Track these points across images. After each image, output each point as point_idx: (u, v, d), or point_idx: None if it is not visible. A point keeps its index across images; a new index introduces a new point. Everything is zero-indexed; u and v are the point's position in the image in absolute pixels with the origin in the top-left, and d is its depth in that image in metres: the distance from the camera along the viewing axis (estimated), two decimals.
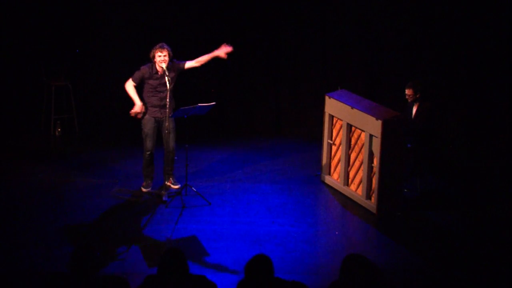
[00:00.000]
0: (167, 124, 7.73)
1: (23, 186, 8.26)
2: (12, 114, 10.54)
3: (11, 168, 8.88)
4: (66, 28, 10.52)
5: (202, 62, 8.07)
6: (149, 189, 8.14)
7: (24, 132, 10.33)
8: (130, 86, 7.83)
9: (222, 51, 8.03)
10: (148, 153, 8.00)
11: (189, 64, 8.00)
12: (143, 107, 7.82)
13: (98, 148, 9.82)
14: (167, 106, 7.66)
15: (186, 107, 7.55)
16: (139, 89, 7.92)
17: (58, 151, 9.75)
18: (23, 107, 10.59)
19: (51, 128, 10.31)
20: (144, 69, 7.81)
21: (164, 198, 7.88)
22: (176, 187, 8.19)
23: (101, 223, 7.32)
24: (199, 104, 7.66)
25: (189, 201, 7.88)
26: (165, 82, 7.70)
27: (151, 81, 7.79)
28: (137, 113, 7.85)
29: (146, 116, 7.90)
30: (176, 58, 7.92)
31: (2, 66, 10.47)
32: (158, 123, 7.93)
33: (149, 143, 7.96)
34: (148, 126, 7.91)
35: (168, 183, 8.19)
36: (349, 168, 8.19)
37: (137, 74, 7.83)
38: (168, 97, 7.67)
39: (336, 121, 8.38)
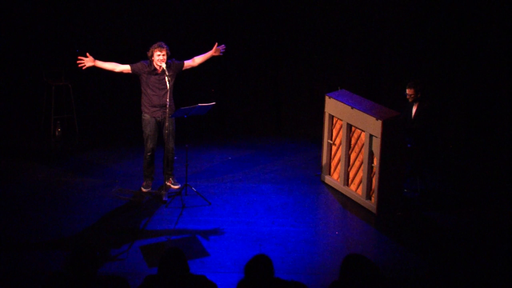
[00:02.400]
0: (167, 124, 7.73)
1: (23, 186, 8.26)
2: (12, 114, 10.53)
3: (11, 168, 8.88)
4: (66, 28, 10.52)
5: (199, 63, 8.09)
6: (149, 189, 8.14)
7: (24, 132, 10.33)
8: (117, 64, 7.82)
9: (216, 50, 8.08)
10: (149, 153, 8.00)
11: (187, 64, 8.02)
12: (93, 62, 7.73)
13: (98, 148, 9.82)
14: (167, 105, 7.66)
15: (186, 107, 7.56)
16: (137, 88, 7.93)
17: (58, 151, 9.76)
18: (23, 107, 10.59)
19: (51, 128, 10.31)
20: (143, 64, 7.81)
21: (164, 198, 7.88)
22: (176, 187, 8.19)
23: (101, 223, 7.32)
24: (199, 104, 7.66)
25: (189, 201, 7.88)
26: (165, 81, 7.70)
27: (150, 79, 7.79)
28: (83, 61, 7.71)
29: (147, 116, 7.89)
30: (175, 58, 7.93)
31: (2, 66, 10.47)
32: (159, 124, 7.93)
33: (150, 144, 7.95)
34: (149, 127, 7.91)
35: (168, 183, 8.19)
36: (349, 168, 8.19)
37: (137, 63, 7.81)
38: (168, 97, 7.67)
39: (336, 121, 8.38)
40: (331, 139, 8.49)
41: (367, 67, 10.41)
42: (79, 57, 7.75)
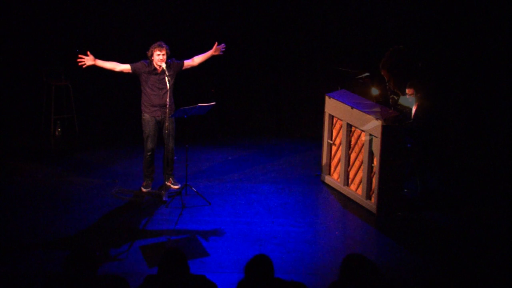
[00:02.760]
0: (167, 124, 7.74)
1: (23, 186, 8.26)
2: (12, 114, 10.54)
3: (11, 168, 8.88)
4: (66, 28, 10.53)
5: (198, 62, 8.09)
6: (149, 189, 8.14)
7: (24, 132, 10.33)
8: (118, 63, 7.82)
9: (216, 49, 8.08)
10: (149, 153, 8.00)
11: (187, 63, 8.02)
12: (93, 61, 7.73)
13: (98, 148, 9.83)
14: (167, 105, 7.66)
15: (186, 107, 7.56)
16: (137, 88, 7.93)
17: (58, 151, 9.76)
18: (23, 107, 10.60)
19: (51, 128, 10.32)
20: (143, 64, 7.81)
21: (164, 198, 7.88)
22: (176, 187, 8.19)
23: (101, 223, 7.32)
24: (199, 104, 7.66)
25: (189, 201, 7.88)
26: (165, 81, 7.71)
27: (150, 78, 7.78)
28: (83, 60, 7.73)
29: (147, 116, 7.89)
30: (175, 58, 7.93)
31: (2, 66, 10.47)
32: (159, 124, 7.93)
33: (150, 144, 7.95)
34: (148, 127, 7.91)
35: (168, 183, 8.19)
36: (349, 168, 8.19)
37: (137, 63, 7.81)
38: (168, 97, 7.67)
39: (336, 121, 8.38)
40: (331, 139, 8.49)
41: (367, 67, 10.40)
42: (80, 56, 7.75)
